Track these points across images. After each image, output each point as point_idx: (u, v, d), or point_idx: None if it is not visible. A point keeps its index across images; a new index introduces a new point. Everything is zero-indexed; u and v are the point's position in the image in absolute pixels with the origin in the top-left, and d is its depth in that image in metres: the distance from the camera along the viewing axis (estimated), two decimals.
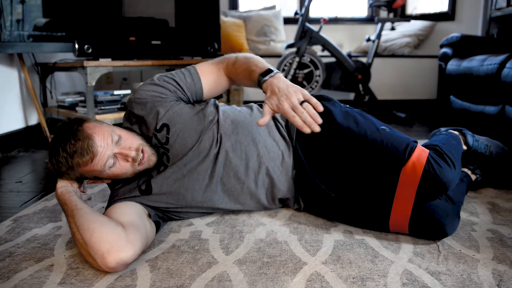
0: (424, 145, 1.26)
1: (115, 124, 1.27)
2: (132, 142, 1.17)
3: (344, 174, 1.23)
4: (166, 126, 1.24)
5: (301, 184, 1.32)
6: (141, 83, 1.30)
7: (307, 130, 1.04)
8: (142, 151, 1.17)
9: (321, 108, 1.07)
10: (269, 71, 1.15)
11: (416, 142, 1.20)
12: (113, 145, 1.13)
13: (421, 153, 1.15)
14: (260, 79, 1.14)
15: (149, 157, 1.20)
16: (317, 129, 1.04)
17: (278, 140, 1.32)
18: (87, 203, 1.14)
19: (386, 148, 1.17)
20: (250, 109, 1.39)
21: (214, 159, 1.25)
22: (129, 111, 1.29)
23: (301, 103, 1.06)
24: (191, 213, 1.31)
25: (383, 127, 1.25)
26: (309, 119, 1.04)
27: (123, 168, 1.16)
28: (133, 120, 1.29)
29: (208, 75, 1.31)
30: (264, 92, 1.13)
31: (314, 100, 1.08)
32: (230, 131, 1.28)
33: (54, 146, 1.10)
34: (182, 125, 1.24)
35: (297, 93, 1.07)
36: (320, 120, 1.05)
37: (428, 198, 1.14)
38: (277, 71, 1.16)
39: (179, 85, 1.28)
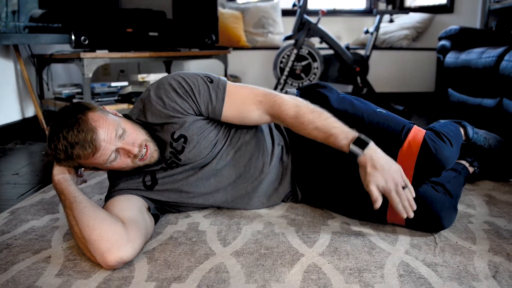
0: None
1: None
2: (136, 137, 1.12)
3: (343, 161, 1.22)
4: (184, 137, 1.18)
5: (299, 176, 1.32)
6: (164, 85, 1.17)
7: (404, 216, 1.06)
8: (146, 147, 1.13)
9: (414, 194, 1.08)
10: (359, 140, 1.07)
11: (413, 124, 1.21)
12: (117, 140, 1.08)
13: (417, 132, 1.15)
14: (355, 151, 1.07)
15: (152, 153, 1.15)
16: (411, 215, 1.07)
17: (277, 136, 1.32)
18: (87, 189, 1.11)
19: (383, 129, 1.17)
20: None
21: (219, 159, 1.24)
22: (144, 108, 1.20)
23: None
24: (191, 207, 1.31)
25: (380, 110, 1.26)
26: (406, 203, 1.07)
27: (124, 163, 1.12)
28: (143, 118, 1.21)
29: (236, 106, 1.18)
30: (359, 164, 1.07)
31: (410, 185, 1.08)
32: (238, 133, 1.27)
33: (55, 131, 1.04)
34: (200, 137, 1.19)
35: (398, 173, 1.06)
36: (415, 207, 1.08)
37: (426, 177, 1.14)
38: (367, 138, 1.08)
39: (199, 105, 1.17)
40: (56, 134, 1.04)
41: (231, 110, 1.18)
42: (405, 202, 1.06)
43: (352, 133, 1.09)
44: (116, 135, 1.07)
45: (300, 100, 1.17)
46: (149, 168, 1.21)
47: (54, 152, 1.06)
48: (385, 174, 1.05)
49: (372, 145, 1.07)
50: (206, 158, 1.22)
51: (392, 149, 1.15)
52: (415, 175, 1.13)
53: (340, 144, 1.09)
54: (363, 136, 1.08)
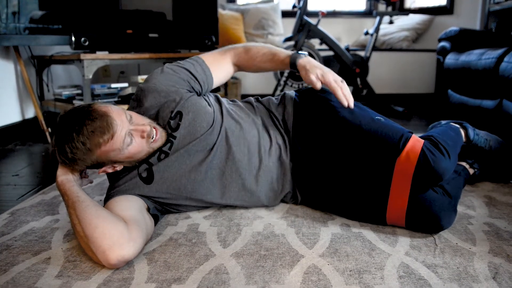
0: (421, 137, 1.26)
1: None
2: (142, 120, 1.17)
3: (341, 165, 1.23)
4: (180, 113, 1.23)
5: (298, 176, 1.32)
6: (153, 73, 1.28)
7: (345, 103, 1.20)
8: (154, 128, 1.17)
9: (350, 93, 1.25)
10: (298, 54, 1.29)
11: (412, 133, 1.21)
12: (128, 123, 1.12)
13: (415, 143, 1.15)
14: (295, 57, 1.28)
15: (161, 133, 1.20)
16: (352, 105, 1.22)
17: (275, 135, 1.32)
18: (87, 190, 1.12)
19: (381, 138, 1.17)
20: (250, 105, 1.39)
21: (217, 152, 1.24)
22: (138, 99, 1.27)
23: None
24: (190, 206, 1.31)
25: (378, 117, 1.26)
26: (347, 92, 1.22)
27: (139, 146, 1.14)
28: (142, 110, 1.26)
29: (216, 64, 1.35)
30: (298, 69, 1.27)
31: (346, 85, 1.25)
32: (234, 126, 1.28)
33: (65, 133, 1.05)
34: (195, 114, 1.23)
35: (333, 72, 1.25)
36: (352, 101, 1.22)
37: (423, 188, 1.14)
38: (304, 53, 1.31)
39: (192, 74, 1.29)
40: (68, 135, 1.05)
41: (215, 72, 1.35)
42: (346, 91, 1.22)
43: (292, 51, 1.33)
44: (126, 118, 1.12)
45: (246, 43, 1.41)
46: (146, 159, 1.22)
47: (70, 153, 1.06)
48: (323, 68, 1.24)
49: (308, 56, 1.29)
50: (200, 145, 1.22)
51: (389, 157, 1.15)
52: (412, 185, 1.13)
53: (282, 58, 1.31)
54: (300, 52, 1.33)
